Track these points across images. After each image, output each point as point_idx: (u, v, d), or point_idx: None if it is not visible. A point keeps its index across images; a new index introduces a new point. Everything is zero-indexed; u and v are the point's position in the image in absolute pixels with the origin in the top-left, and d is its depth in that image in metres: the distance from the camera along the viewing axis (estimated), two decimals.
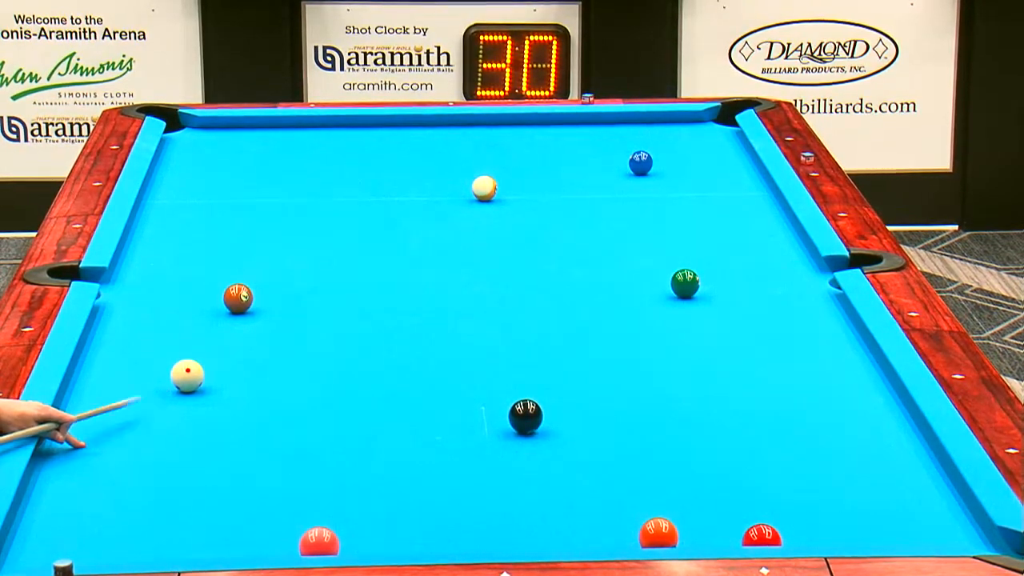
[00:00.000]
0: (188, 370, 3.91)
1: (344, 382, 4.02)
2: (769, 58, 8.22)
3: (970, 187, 8.31)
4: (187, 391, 3.89)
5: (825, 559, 3.08)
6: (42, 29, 8.16)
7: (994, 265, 7.91)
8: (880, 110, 8.27)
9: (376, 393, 3.95)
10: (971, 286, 7.57)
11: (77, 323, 4.16)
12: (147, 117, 5.82)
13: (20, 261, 4.44)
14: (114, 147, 5.53)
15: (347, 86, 8.13)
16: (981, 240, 8.21)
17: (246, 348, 4.21)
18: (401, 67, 8.18)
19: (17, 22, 8.14)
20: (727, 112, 5.91)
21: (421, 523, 3.34)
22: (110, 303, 4.38)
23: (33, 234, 4.63)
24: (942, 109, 8.29)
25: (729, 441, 3.72)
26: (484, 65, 8.07)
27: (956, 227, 8.29)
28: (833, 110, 8.13)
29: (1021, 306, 7.39)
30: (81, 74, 8.19)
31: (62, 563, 2.90)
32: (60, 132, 8.19)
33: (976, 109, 8.24)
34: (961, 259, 7.92)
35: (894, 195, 7.52)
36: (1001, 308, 7.32)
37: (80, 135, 7.90)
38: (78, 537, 3.26)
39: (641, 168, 5.42)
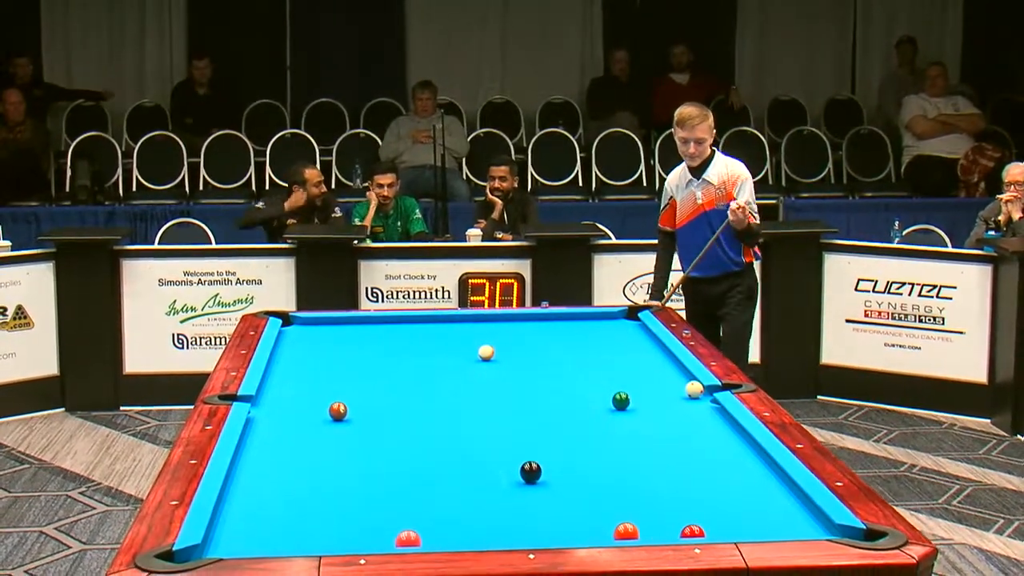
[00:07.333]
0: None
1: (411, 458, 3.87)
2: (647, 292, 8.17)
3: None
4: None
5: (736, 544, 2.95)
6: (199, 279, 8.10)
7: None
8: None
9: (432, 464, 3.80)
10: None
11: (237, 425, 4.00)
12: (270, 317, 5.69)
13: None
14: (251, 333, 5.40)
15: None
16: None
17: (344, 442, 4.05)
18: (420, 299, 8.10)
19: (184, 275, 8.09)
20: (632, 312, 5.82)
21: (474, 531, 3.21)
22: (257, 416, 4.22)
23: (191, 407, 4.41)
24: None
25: (665, 490, 3.57)
26: (472, 298, 8.02)
27: None
28: None
29: None
30: (222, 307, 8.08)
31: None
32: (209, 343, 8.05)
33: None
34: None
35: None
36: None
37: (222, 344, 7.72)
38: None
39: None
